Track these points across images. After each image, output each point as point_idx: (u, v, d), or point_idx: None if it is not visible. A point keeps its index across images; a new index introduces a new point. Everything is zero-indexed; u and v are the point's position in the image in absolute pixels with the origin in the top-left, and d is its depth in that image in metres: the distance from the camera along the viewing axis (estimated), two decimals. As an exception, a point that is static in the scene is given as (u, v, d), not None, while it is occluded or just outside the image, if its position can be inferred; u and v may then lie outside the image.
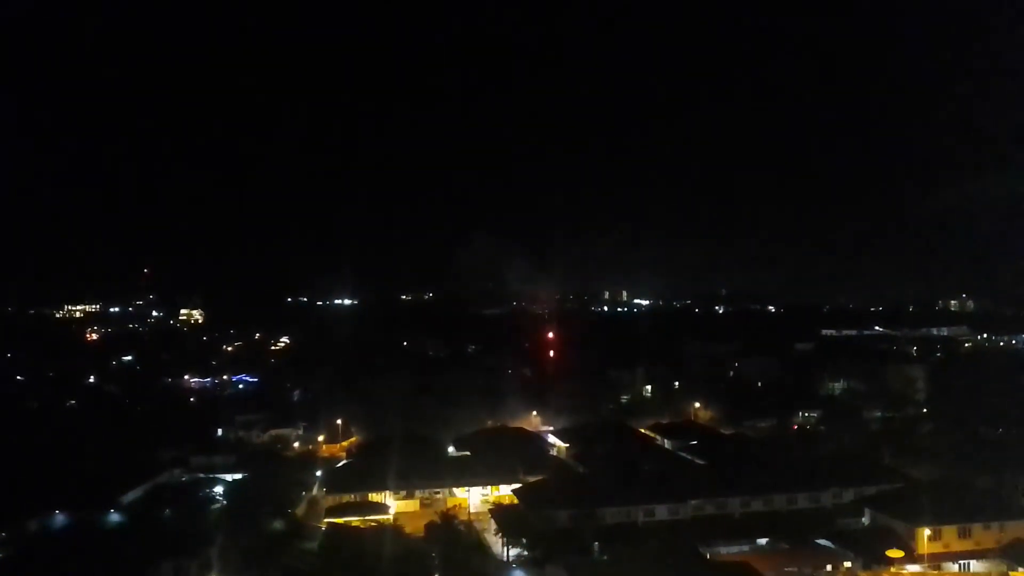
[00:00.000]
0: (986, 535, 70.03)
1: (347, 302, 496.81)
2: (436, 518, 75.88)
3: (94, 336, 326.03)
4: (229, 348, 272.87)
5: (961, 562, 68.64)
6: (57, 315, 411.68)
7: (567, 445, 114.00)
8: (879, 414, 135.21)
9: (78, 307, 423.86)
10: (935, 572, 65.25)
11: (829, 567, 65.82)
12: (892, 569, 65.10)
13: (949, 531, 69.30)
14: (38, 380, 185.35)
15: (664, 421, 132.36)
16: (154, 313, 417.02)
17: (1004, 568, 64.87)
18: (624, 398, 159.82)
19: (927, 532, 67.90)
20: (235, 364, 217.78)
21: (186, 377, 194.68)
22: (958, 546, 69.32)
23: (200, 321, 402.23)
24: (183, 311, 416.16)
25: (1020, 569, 63.05)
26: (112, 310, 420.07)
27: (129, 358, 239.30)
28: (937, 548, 68.21)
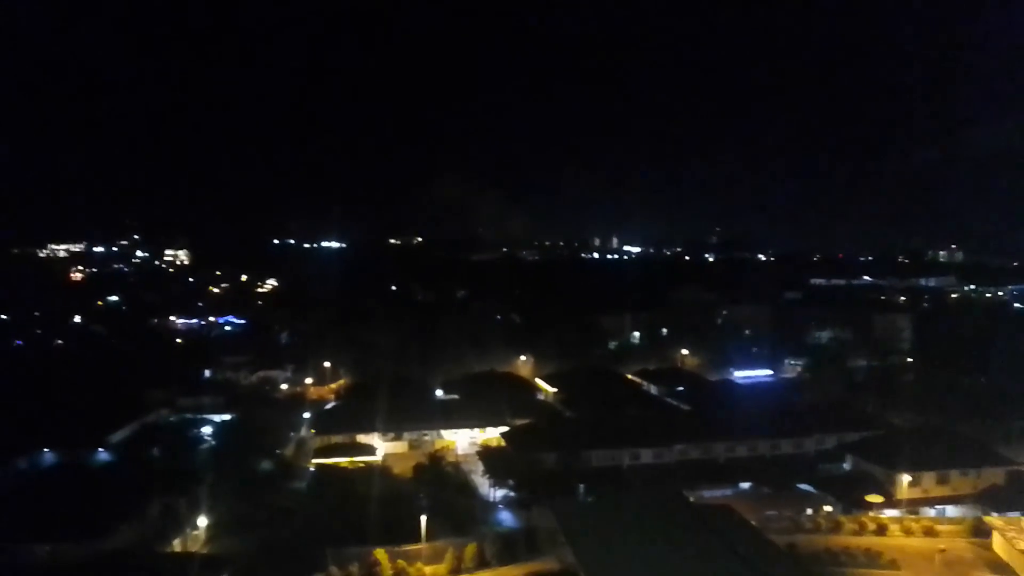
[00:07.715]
0: (963, 481, 71.57)
1: (335, 245, 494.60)
2: (424, 460, 76.46)
3: (79, 276, 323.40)
4: (216, 289, 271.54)
5: (938, 507, 70.11)
6: (41, 254, 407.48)
7: (555, 390, 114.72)
8: (864, 363, 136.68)
9: (62, 246, 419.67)
10: (913, 517, 66.47)
11: (810, 511, 67.07)
12: (871, 514, 66.28)
13: (928, 477, 70.81)
14: (24, 319, 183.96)
15: (651, 367, 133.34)
16: (139, 253, 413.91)
17: (979, 513, 66.17)
18: (612, 344, 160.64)
19: (906, 478, 69.20)
20: (222, 305, 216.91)
21: (173, 318, 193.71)
22: (936, 492, 70.89)
23: (186, 262, 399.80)
24: (168, 252, 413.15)
25: (995, 514, 64.29)
26: (96, 250, 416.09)
27: (115, 298, 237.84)
28: (916, 494, 69.72)
